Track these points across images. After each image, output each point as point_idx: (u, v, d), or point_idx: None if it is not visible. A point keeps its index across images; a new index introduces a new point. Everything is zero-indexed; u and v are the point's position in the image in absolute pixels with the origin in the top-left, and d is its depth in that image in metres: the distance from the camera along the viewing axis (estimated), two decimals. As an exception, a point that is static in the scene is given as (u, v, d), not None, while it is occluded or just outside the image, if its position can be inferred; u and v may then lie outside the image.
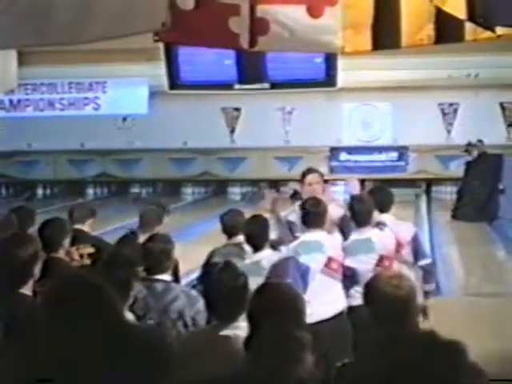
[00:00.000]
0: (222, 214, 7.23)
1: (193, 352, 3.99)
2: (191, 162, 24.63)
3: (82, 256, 6.28)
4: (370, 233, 6.76)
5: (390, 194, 7.49)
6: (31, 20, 4.77)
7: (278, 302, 3.75)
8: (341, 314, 6.45)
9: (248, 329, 3.74)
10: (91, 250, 6.27)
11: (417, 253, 7.21)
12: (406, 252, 7.15)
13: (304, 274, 6.25)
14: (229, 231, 7.04)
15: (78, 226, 7.17)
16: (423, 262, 7.23)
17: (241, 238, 6.78)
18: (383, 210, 7.13)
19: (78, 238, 6.64)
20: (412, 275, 6.71)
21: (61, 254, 6.10)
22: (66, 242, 6.16)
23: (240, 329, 4.15)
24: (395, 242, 6.90)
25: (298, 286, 5.81)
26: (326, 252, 6.39)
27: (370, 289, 3.82)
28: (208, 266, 6.78)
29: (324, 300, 6.25)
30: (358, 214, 6.75)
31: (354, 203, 6.84)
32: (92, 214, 7.58)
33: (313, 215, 6.48)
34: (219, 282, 4.40)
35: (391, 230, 6.94)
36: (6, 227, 6.31)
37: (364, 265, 6.57)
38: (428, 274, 7.25)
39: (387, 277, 3.82)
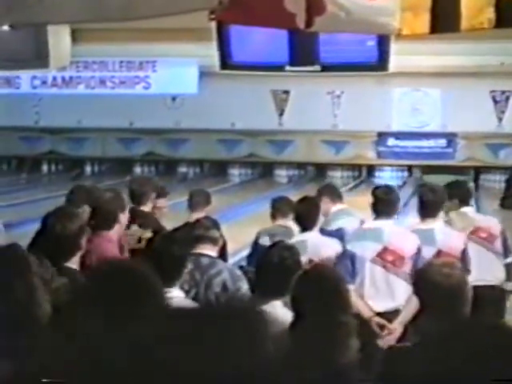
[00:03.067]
0: (273, 199, 7.24)
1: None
2: (238, 143, 24.64)
3: (140, 240, 6.22)
4: (434, 224, 6.31)
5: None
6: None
7: (321, 286, 3.71)
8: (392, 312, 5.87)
9: (293, 313, 3.72)
10: (150, 234, 6.14)
11: (505, 250, 6.90)
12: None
13: (352, 260, 6.01)
14: (276, 215, 7.05)
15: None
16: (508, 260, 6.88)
17: (287, 221, 6.84)
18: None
19: (136, 218, 6.44)
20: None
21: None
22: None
23: (272, 306, 4.14)
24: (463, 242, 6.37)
25: (347, 272, 5.70)
26: (383, 241, 5.96)
27: (420, 277, 3.74)
28: (256, 245, 6.84)
29: (372, 293, 5.88)
30: (428, 204, 6.33)
31: (425, 192, 6.44)
32: (155, 189, 6.94)
33: (382, 203, 6.10)
34: (274, 258, 4.49)
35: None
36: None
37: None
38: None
39: (438, 265, 3.72)
